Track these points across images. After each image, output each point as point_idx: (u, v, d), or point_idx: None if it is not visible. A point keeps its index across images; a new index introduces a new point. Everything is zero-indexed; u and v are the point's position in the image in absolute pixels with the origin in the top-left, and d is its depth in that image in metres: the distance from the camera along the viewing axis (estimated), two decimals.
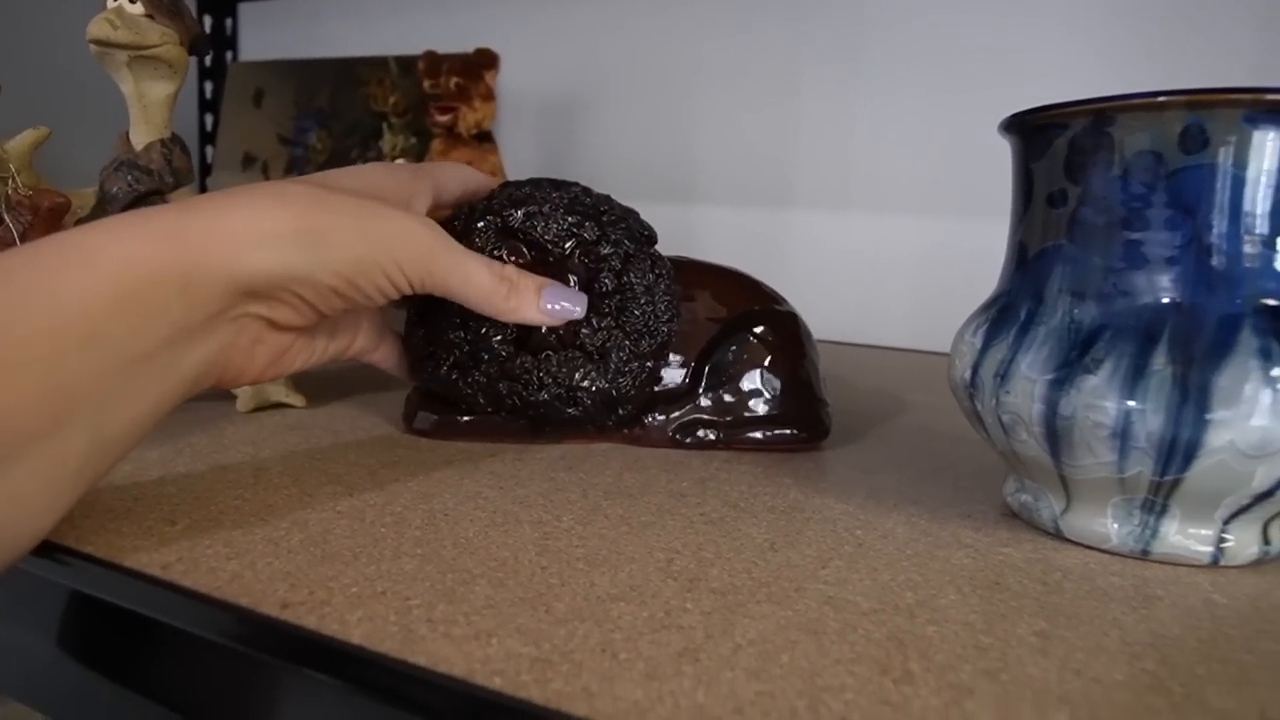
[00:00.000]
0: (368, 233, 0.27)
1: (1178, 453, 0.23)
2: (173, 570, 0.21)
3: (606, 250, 0.34)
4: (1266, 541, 0.25)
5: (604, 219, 0.34)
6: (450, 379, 0.34)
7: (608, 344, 0.34)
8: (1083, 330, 0.25)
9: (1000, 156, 0.31)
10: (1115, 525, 0.26)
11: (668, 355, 0.36)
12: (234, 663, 0.21)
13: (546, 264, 0.34)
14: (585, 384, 0.33)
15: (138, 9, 0.35)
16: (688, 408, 0.36)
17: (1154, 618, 0.22)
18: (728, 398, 0.36)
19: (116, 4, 0.35)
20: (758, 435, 0.36)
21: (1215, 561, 0.25)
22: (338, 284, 0.27)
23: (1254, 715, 0.17)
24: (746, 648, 0.19)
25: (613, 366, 0.33)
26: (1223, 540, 0.25)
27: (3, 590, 0.25)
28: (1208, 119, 0.24)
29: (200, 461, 0.31)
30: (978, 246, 0.70)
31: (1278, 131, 0.23)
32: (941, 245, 0.73)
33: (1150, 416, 0.23)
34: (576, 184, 0.36)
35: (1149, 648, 0.20)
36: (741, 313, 0.37)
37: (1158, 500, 0.25)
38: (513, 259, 0.33)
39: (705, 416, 0.36)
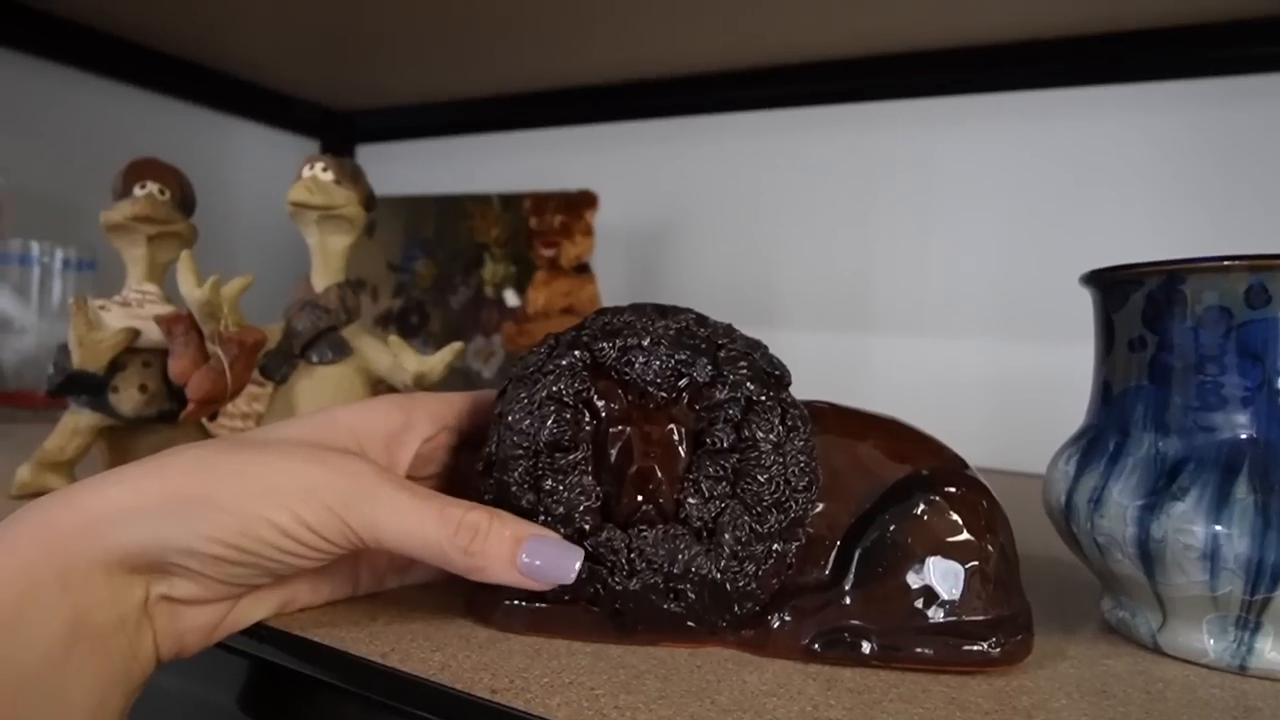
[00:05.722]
0: (252, 491, 0.25)
1: (1265, 573, 0.26)
2: (391, 659, 0.25)
3: (723, 395, 0.27)
4: None
5: (721, 355, 0.28)
6: None
7: (722, 518, 0.27)
8: (1168, 461, 0.28)
9: (1068, 286, 0.34)
10: (1211, 641, 0.28)
11: (802, 535, 0.28)
12: None
13: (646, 411, 0.28)
14: (690, 571, 0.26)
15: (329, 176, 0.42)
16: (829, 607, 0.27)
17: None
18: (885, 596, 0.27)
19: (312, 173, 0.41)
20: (928, 651, 0.26)
21: None
22: (223, 552, 0.24)
23: None
24: None
25: (727, 549, 0.26)
26: None
27: (228, 671, 0.29)
28: (1268, 279, 0.27)
29: None
30: (1050, 369, 0.73)
31: None
32: (1015, 368, 0.76)
33: (1237, 540, 0.26)
34: (689, 311, 0.29)
35: None
36: (905, 478, 0.28)
37: (1250, 618, 0.27)
38: (605, 403, 0.28)
39: (854, 621, 0.27)
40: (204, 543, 0.24)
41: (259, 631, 0.28)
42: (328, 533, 0.25)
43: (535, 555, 0.26)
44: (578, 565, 0.26)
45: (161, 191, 0.45)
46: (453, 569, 0.26)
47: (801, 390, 0.29)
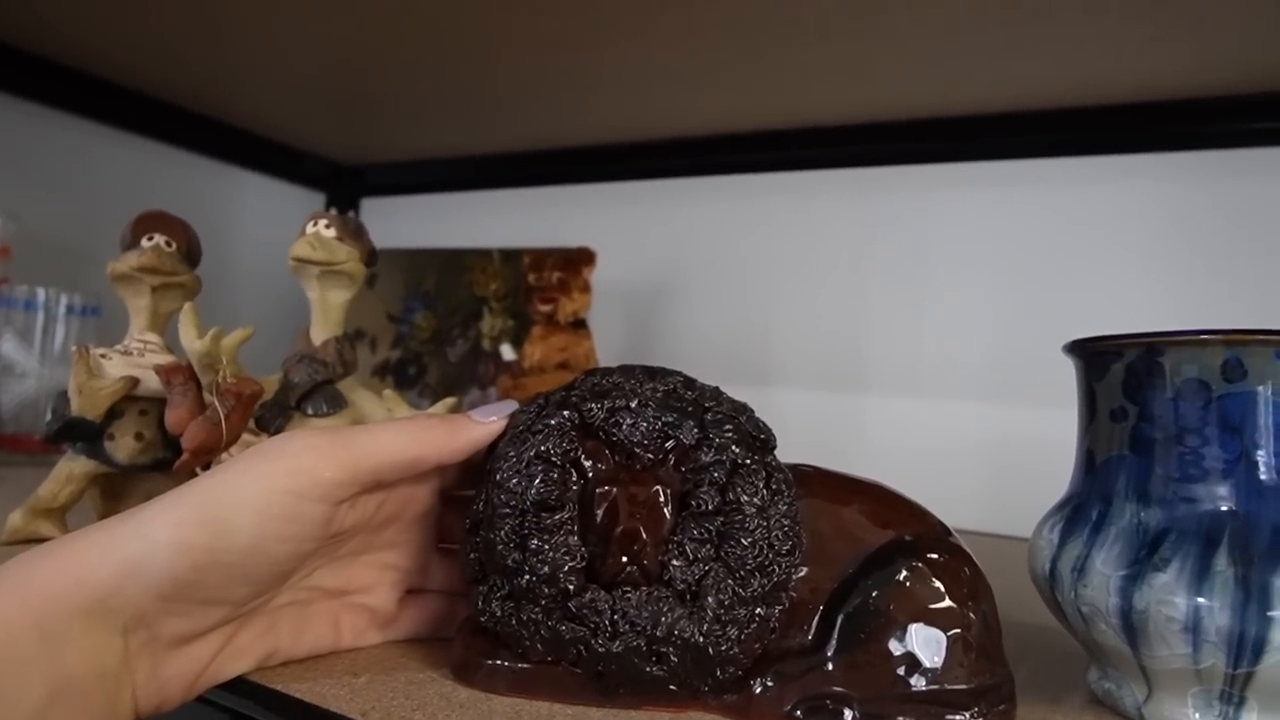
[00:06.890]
0: (237, 480, 0.27)
1: (1247, 647, 0.26)
2: (371, 717, 0.25)
3: (709, 457, 0.27)
4: None
5: (707, 417, 0.28)
6: (501, 614, 0.28)
7: (705, 581, 0.26)
8: (1149, 532, 0.29)
9: (1060, 351, 0.35)
10: (1197, 715, 0.28)
11: (786, 599, 0.28)
12: None
13: (633, 472, 0.28)
14: (673, 634, 0.26)
15: (331, 233, 0.43)
16: (812, 673, 0.27)
17: None
18: (868, 662, 0.27)
19: (315, 229, 0.42)
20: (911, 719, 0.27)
21: None
22: (212, 559, 0.25)
23: None
24: None
25: (710, 612, 0.26)
26: None
27: None
28: (1244, 354, 0.28)
29: None
30: (1043, 433, 0.73)
31: None
32: (1008, 431, 0.76)
33: (1218, 612, 0.26)
34: (677, 373, 0.30)
35: None
36: (888, 543, 0.29)
37: (1234, 691, 0.27)
38: (592, 463, 0.28)
39: (836, 688, 0.27)
40: (194, 553, 0.25)
41: (239, 685, 0.27)
42: (318, 487, 0.27)
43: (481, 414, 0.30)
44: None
45: (168, 243, 0.46)
46: (433, 445, 0.29)
47: (795, 450, 0.30)
